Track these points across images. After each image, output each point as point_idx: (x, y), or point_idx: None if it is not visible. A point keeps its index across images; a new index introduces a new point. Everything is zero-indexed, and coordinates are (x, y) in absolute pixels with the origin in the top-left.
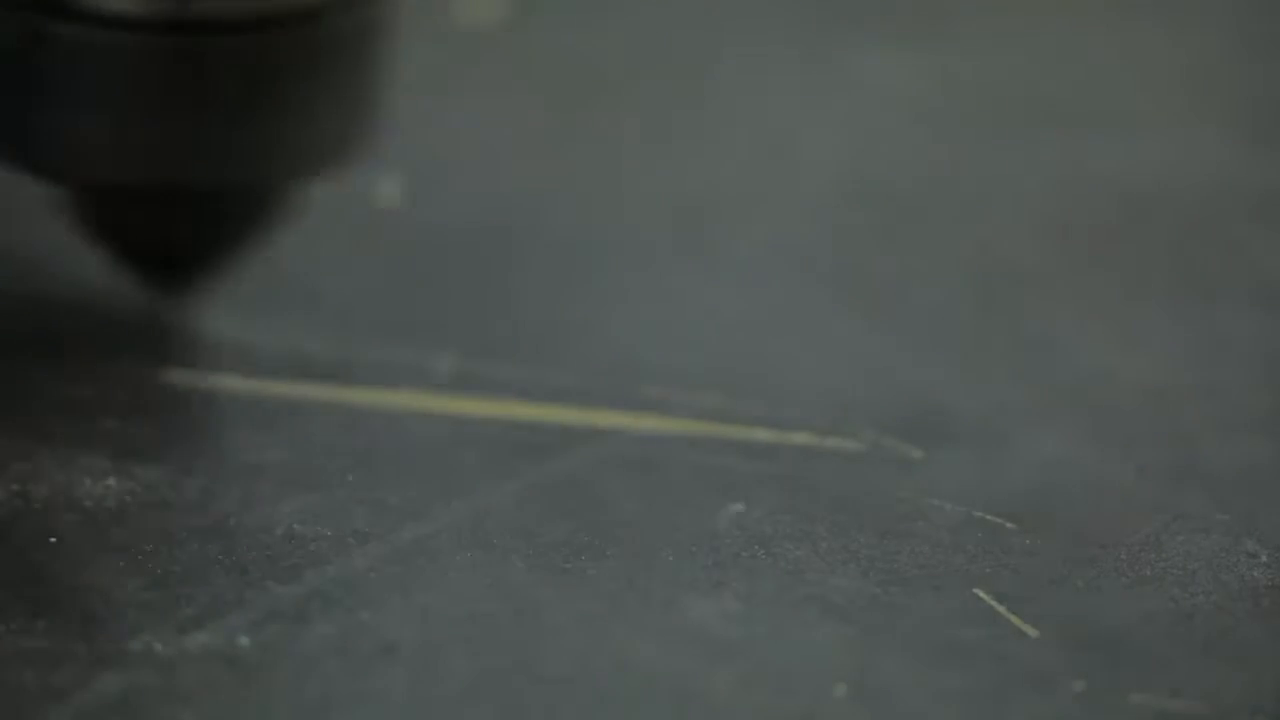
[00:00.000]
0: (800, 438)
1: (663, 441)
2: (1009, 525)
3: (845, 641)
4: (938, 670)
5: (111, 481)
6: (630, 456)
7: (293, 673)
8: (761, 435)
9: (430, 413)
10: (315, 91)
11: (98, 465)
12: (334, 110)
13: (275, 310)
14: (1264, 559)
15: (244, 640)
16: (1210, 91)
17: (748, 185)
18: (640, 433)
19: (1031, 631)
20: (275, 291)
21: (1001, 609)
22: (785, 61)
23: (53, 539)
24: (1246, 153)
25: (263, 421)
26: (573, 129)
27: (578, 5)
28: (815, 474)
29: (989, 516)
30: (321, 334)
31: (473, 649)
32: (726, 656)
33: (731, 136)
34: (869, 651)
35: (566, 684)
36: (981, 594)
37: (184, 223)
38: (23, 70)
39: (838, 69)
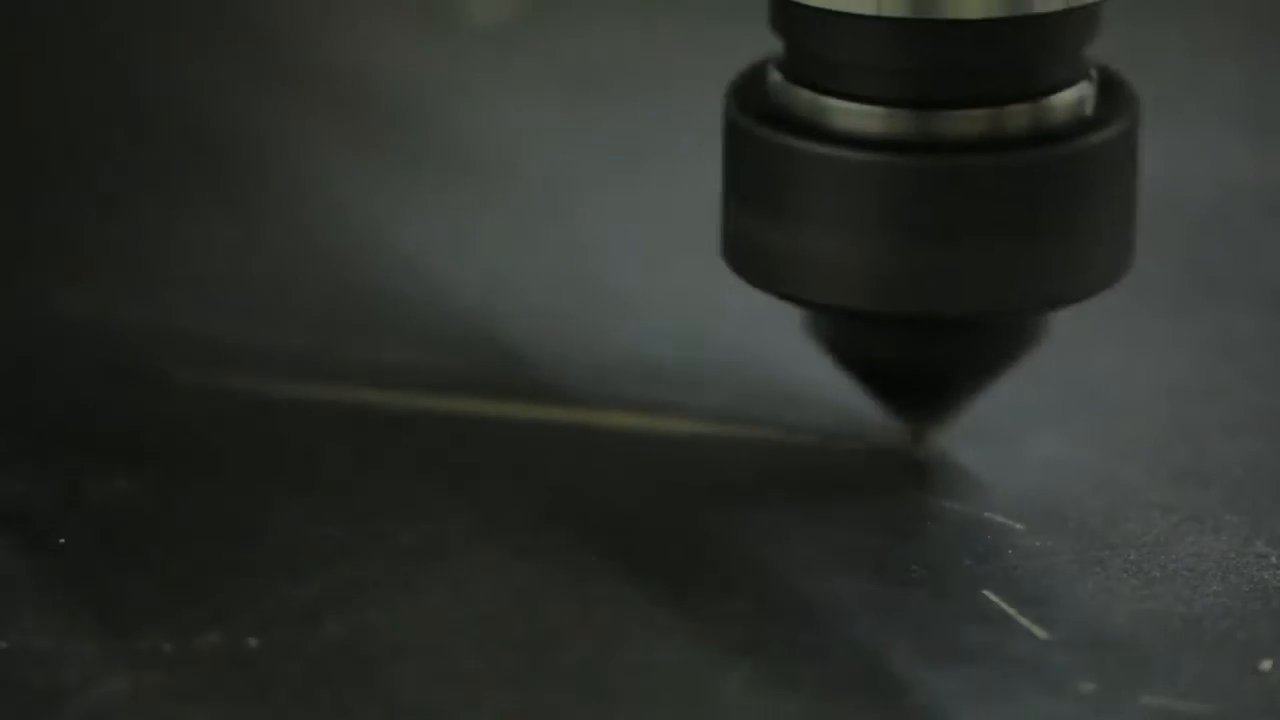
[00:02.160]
0: (808, 438)
1: (671, 442)
2: (1018, 526)
3: (853, 642)
4: (947, 671)
5: (120, 482)
6: (639, 457)
7: (302, 673)
8: (770, 435)
9: (439, 412)
10: (1069, 212)
11: (105, 465)
12: (1086, 232)
13: (275, 311)
14: (1274, 560)
15: (252, 641)
16: (1221, 89)
17: None
18: (649, 432)
19: (1041, 633)
20: (281, 290)
21: (1011, 610)
22: None
23: (60, 539)
24: (1256, 151)
25: (271, 421)
26: (584, 126)
27: (587, 3)
28: (824, 474)
29: (998, 517)
30: (325, 335)
31: (482, 650)
32: (735, 658)
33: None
34: (877, 653)
35: (576, 685)
36: (990, 595)
37: (940, 351)
38: (774, 189)
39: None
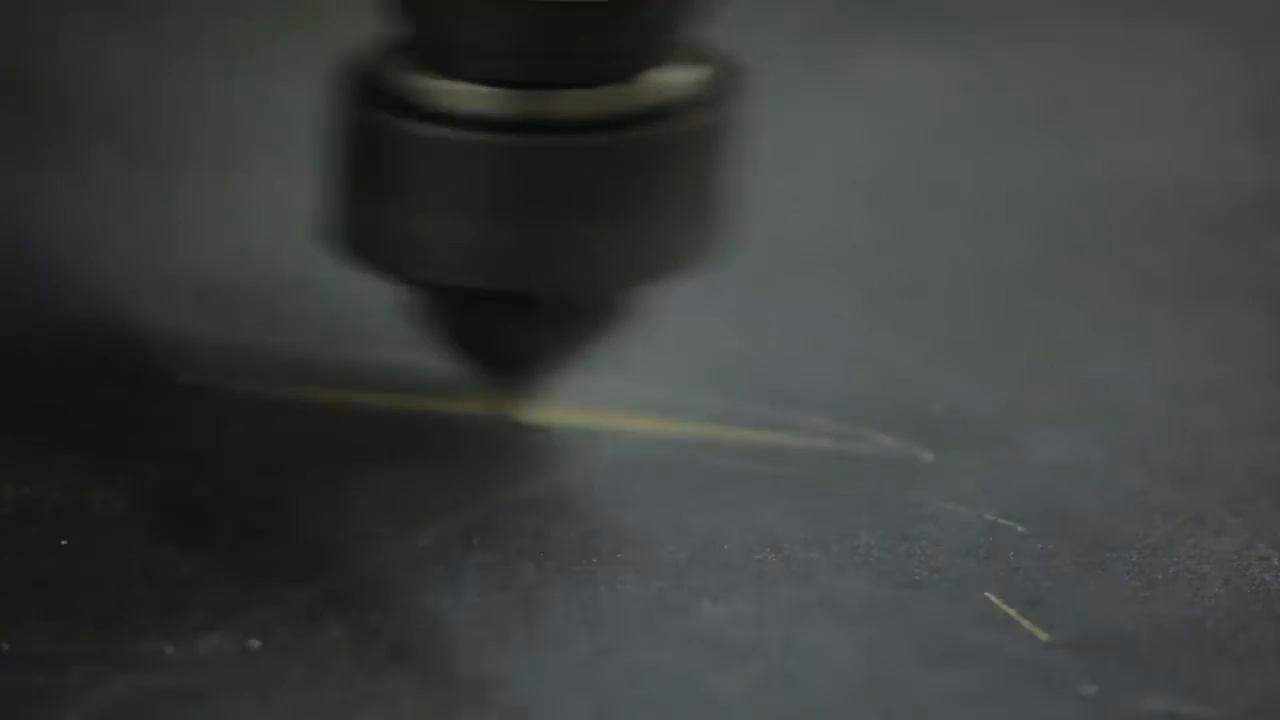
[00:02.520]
0: (811, 441)
1: (674, 444)
2: (1020, 528)
3: (856, 644)
4: (949, 673)
5: (123, 484)
6: (641, 459)
7: (304, 675)
8: (772, 439)
9: (440, 415)
10: (664, 192)
11: (109, 467)
12: (683, 212)
13: (284, 314)
14: (1276, 562)
15: (255, 642)
16: (1222, 92)
17: (758, 186)
18: (651, 435)
19: (1043, 635)
20: (282, 295)
21: (1013, 612)
22: (793, 64)
23: (64, 541)
24: (1257, 154)
25: (273, 425)
26: None
27: None
28: (826, 477)
29: (1000, 519)
30: (329, 337)
31: (483, 652)
32: (737, 660)
33: (743, 138)
34: (880, 654)
35: (577, 687)
36: (993, 597)
37: (532, 327)
38: (377, 170)
39: (847, 71)
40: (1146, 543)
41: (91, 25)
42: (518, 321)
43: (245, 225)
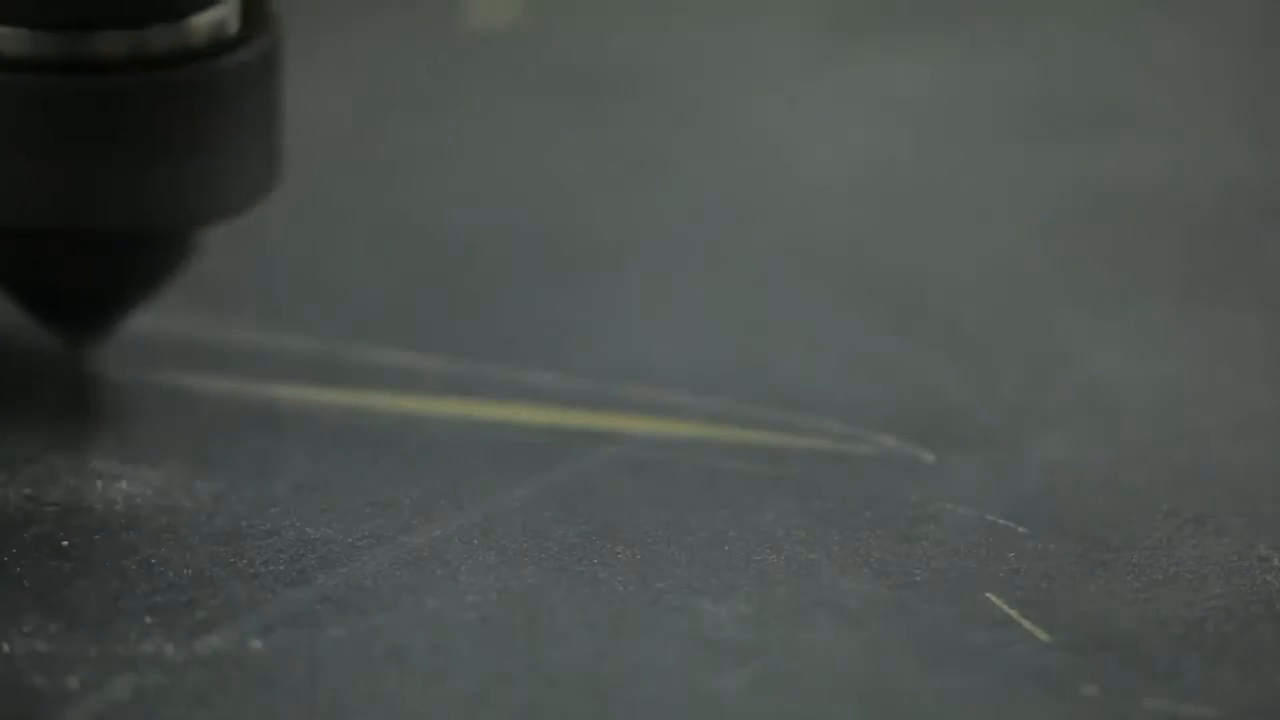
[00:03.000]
0: (811, 441)
1: (673, 445)
2: (1020, 529)
3: (856, 645)
4: (949, 674)
5: (123, 485)
6: (641, 460)
7: (304, 676)
8: (772, 439)
9: (440, 416)
10: (214, 130)
11: (109, 469)
12: (234, 149)
13: (283, 313)
14: (1277, 563)
15: (255, 643)
16: (1221, 93)
17: (758, 187)
18: (651, 436)
19: (1043, 635)
20: (283, 295)
21: (1013, 613)
22: (794, 65)
23: (64, 542)
24: (1257, 154)
25: (273, 425)
26: (581, 131)
27: (589, 6)
28: (826, 477)
29: (1000, 520)
30: (329, 337)
31: (484, 652)
32: (738, 660)
33: (741, 139)
34: (880, 655)
35: (578, 687)
36: (993, 598)
37: (88, 267)
38: None
39: (848, 72)
40: (1147, 543)
41: None
42: (68, 261)
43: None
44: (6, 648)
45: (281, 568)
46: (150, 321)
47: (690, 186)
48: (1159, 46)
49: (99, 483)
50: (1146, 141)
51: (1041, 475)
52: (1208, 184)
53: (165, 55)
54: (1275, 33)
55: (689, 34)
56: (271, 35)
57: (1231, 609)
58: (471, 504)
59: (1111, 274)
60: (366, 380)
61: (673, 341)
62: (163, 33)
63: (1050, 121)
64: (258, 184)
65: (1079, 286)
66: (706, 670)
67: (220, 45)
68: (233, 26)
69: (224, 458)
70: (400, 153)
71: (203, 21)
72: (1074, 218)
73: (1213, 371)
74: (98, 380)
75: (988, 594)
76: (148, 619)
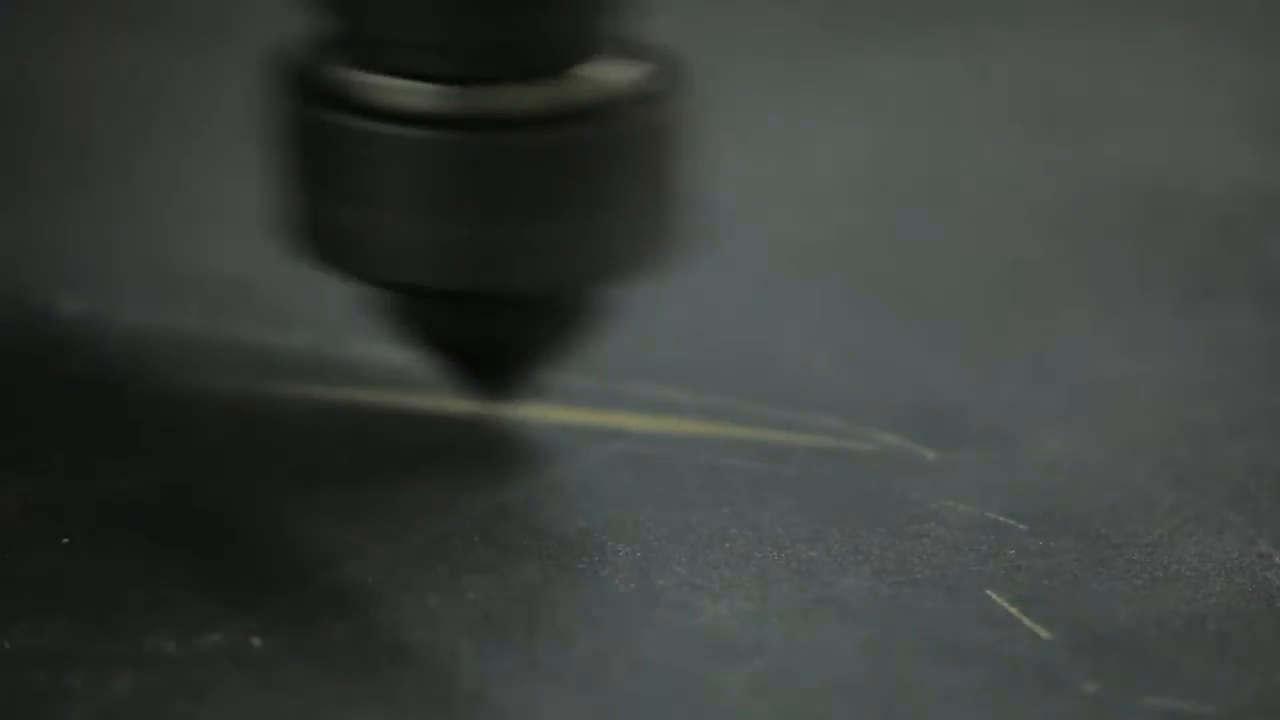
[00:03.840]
0: (811, 439)
1: (674, 442)
2: (1021, 526)
3: (857, 642)
4: (949, 671)
5: (124, 483)
6: (641, 457)
7: (305, 673)
8: (773, 436)
9: (442, 414)
10: (619, 189)
11: (110, 466)
12: (639, 208)
13: (286, 313)
14: (1277, 560)
15: (256, 641)
16: (1224, 91)
17: (758, 185)
18: (651, 433)
19: (1043, 633)
20: (284, 291)
21: (1013, 610)
22: (794, 63)
23: (65, 540)
24: (1259, 152)
25: (275, 423)
26: None
27: None
28: (827, 475)
29: (1001, 518)
30: (332, 336)
31: (484, 650)
32: (739, 658)
33: (742, 137)
34: (881, 652)
35: (578, 685)
36: (993, 595)
37: (496, 325)
38: (320, 167)
39: (848, 70)
40: (1147, 540)
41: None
42: (482, 320)
43: (249, 221)
44: (8, 645)
45: (282, 565)
46: (152, 321)
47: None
48: (1160, 44)
49: (99, 480)
50: (1147, 140)
51: (1042, 472)
52: (1209, 182)
53: (578, 110)
54: (1278, 31)
55: (689, 31)
56: (672, 93)
57: (1232, 606)
58: (472, 501)
59: (1112, 271)
60: (367, 377)
61: (673, 338)
62: (561, 89)
63: (1056, 121)
64: (659, 241)
65: (1079, 283)
66: (707, 667)
67: (620, 102)
68: (632, 83)
69: (224, 456)
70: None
71: (601, 78)
72: (1074, 216)
73: (1213, 369)
74: (100, 379)
75: (988, 591)
76: (148, 616)
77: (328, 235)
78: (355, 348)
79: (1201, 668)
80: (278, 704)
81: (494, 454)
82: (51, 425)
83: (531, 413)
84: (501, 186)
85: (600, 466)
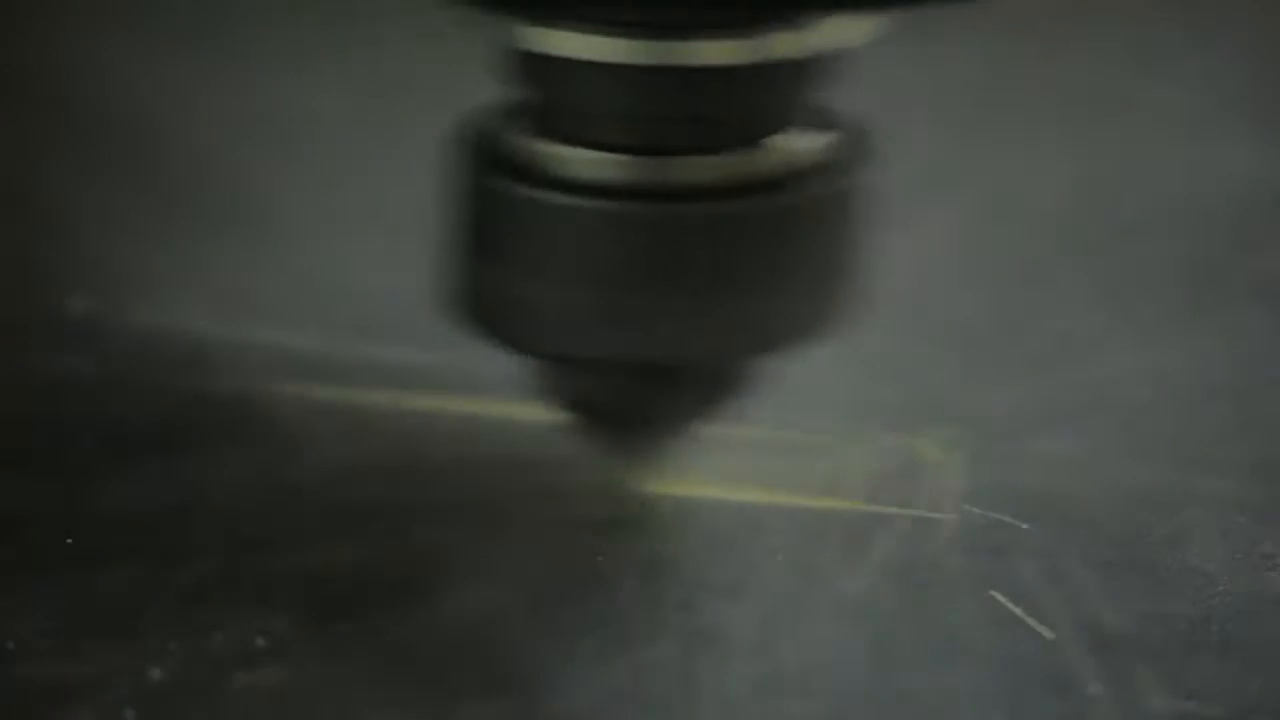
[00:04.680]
0: (814, 438)
1: (675, 443)
2: (1026, 526)
3: (861, 643)
4: (955, 672)
5: (130, 485)
6: (643, 458)
7: (309, 675)
8: (779, 436)
9: (445, 414)
10: (789, 261)
11: (116, 468)
12: (809, 280)
13: (294, 314)
14: None
15: (260, 641)
16: (1233, 91)
17: None
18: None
19: (1048, 633)
20: (291, 296)
21: (1018, 610)
22: None
23: (68, 540)
24: (1266, 152)
25: (279, 425)
26: None
27: None
28: (832, 474)
29: (1007, 518)
30: (334, 337)
31: (489, 651)
32: (743, 658)
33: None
34: (885, 653)
35: (584, 686)
36: (999, 596)
37: (654, 396)
38: (494, 237)
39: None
40: (1154, 540)
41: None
42: (643, 391)
43: (255, 224)
44: (11, 645)
45: (288, 568)
46: (154, 322)
47: None
48: (1173, 45)
49: (105, 482)
50: (1159, 140)
51: (1047, 472)
52: (1215, 180)
53: (754, 183)
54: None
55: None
56: (852, 164)
57: (1237, 607)
58: (477, 503)
59: (1116, 271)
60: (370, 379)
61: None
62: (740, 160)
63: (1062, 119)
64: (829, 312)
65: (1084, 283)
66: (712, 668)
67: (799, 174)
68: (812, 155)
69: (228, 457)
70: (406, 149)
71: (781, 149)
72: (1078, 214)
73: (1218, 368)
74: (98, 379)
75: (993, 591)
76: (153, 618)
77: (496, 306)
78: (359, 346)
79: (1206, 668)
80: (282, 706)
81: (498, 453)
82: (53, 426)
83: (535, 413)
84: (669, 259)
85: (601, 467)
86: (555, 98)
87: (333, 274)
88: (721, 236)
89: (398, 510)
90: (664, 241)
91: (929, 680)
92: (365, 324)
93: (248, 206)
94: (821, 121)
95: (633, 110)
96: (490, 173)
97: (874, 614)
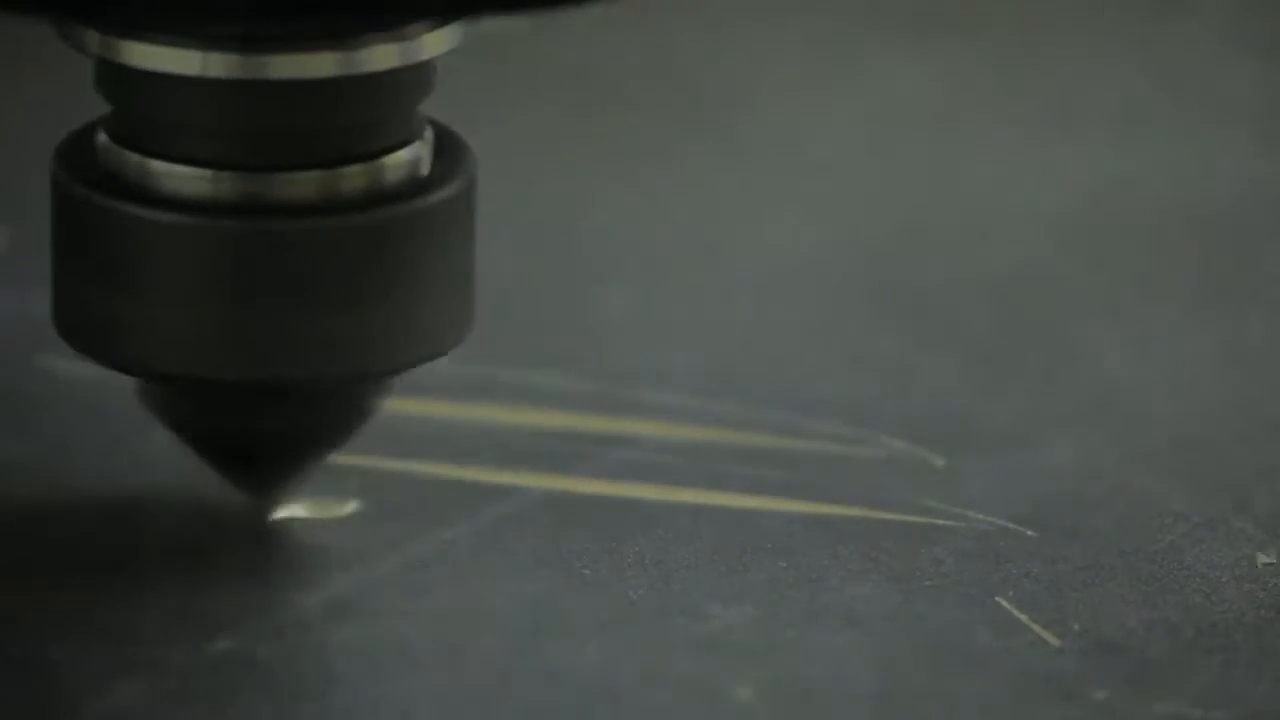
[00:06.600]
0: (820, 445)
1: (684, 449)
2: (1030, 533)
3: (867, 650)
4: (959, 678)
5: (128, 486)
6: (652, 465)
7: (313, 679)
8: (783, 443)
9: (449, 419)
10: (388, 277)
11: (118, 471)
12: (423, 293)
13: None
14: None
15: (265, 647)
16: (1235, 97)
17: (764, 189)
18: (660, 440)
19: (1053, 640)
20: None
21: (1023, 617)
22: (798, 66)
23: (70, 541)
24: (1270, 158)
25: None
26: (587, 134)
27: (594, 11)
28: (836, 481)
29: (1011, 524)
30: None
31: (494, 657)
32: (749, 665)
33: (747, 142)
34: (891, 660)
35: (588, 692)
36: (1003, 602)
37: (273, 418)
38: (96, 256)
39: (853, 74)
40: (1158, 547)
41: None
42: (251, 415)
43: None
44: (15, 652)
45: (291, 571)
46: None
47: (700, 189)
48: (1174, 50)
49: (107, 486)
50: (1162, 146)
51: (1052, 479)
52: (1218, 185)
53: (354, 198)
54: None
55: (695, 34)
56: (455, 177)
57: (1242, 613)
58: (481, 508)
59: (1120, 276)
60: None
61: (682, 345)
62: (353, 174)
63: (1066, 126)
64: (452, 328)
65: (1088, 289)
66: (717, 675)
67: (412, 186)
68: (412, 169)
69: None
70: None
71: (396, 161)
72: (1081, 220)
73: (1223, 374)
74: (103, 383)
75: (997, 598)
76: (156, 622)
77: (98, 325)
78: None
79: (1211, 674)
80: (287, 710)
81: (503, 459)
82: (54, 429)
83: (541, 418)
84: (270, 275)
85: (610, 473)
86: (139, 111)
87: None
88: (312, 253)
89: None
90: (252, 258)
91: (933, 687)
92: None
93: None
94: (419, 133)
95: (214, 125)
96: (81, 185)
97: (877, 620)
